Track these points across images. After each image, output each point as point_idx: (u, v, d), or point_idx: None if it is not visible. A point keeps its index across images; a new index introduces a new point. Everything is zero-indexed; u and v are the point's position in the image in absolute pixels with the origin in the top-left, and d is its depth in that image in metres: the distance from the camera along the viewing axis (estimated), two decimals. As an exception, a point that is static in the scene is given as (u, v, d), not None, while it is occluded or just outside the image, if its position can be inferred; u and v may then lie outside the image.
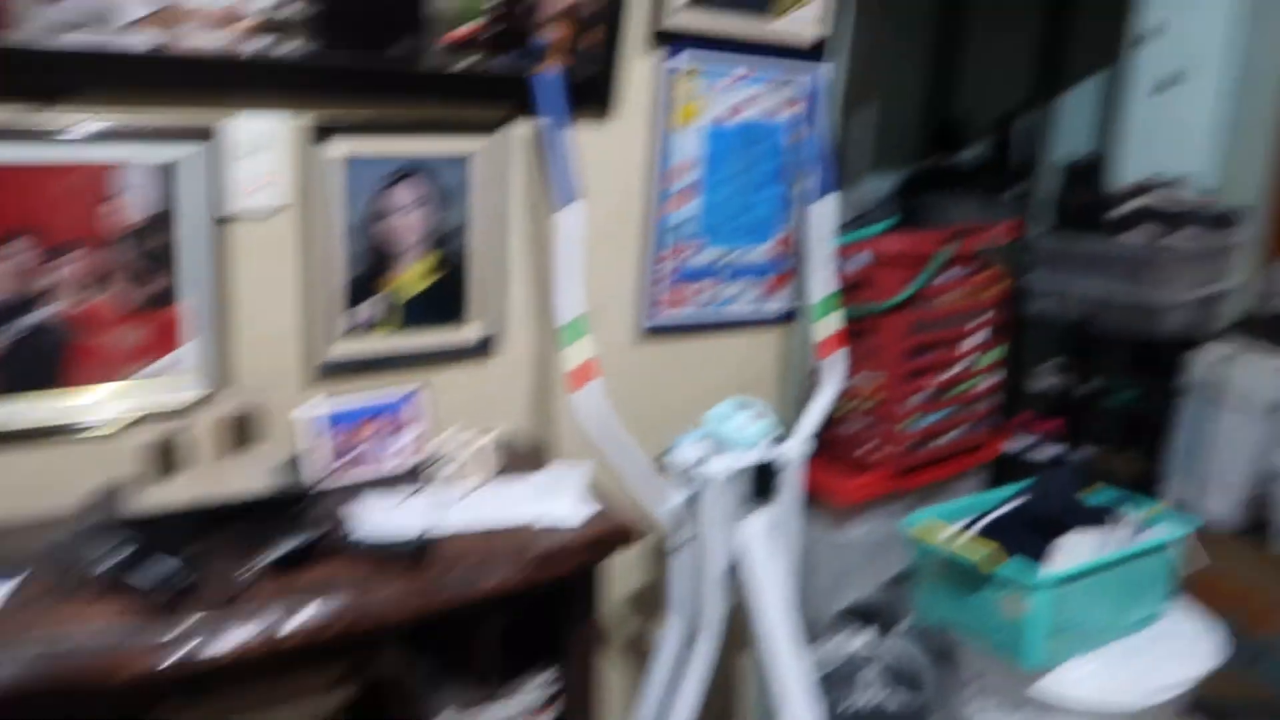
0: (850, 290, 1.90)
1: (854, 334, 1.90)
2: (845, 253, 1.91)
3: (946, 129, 3.12)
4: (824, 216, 1.83)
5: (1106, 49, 2.75)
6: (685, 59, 1.71)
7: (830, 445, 1.95)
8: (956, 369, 2.03)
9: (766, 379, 2.02)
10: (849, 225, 1.98)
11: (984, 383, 2.12)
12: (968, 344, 2.05)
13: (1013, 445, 2.79)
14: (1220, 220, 2.46)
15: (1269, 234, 2.50)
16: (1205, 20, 2.49)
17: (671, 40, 1.68)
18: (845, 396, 1.92)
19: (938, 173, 3.00)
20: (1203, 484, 2.33)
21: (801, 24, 1.80)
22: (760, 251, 1.90)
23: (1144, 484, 2.43)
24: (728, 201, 1.83)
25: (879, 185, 2.93)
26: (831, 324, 1.84)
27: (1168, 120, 2.58)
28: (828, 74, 1.88)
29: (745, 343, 1.96)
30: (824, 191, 1.83)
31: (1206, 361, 2.32)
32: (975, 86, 3.17)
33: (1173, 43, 2.56)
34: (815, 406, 1.78)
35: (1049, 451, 2.74)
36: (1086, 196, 2.64)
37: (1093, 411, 2.71)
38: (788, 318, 1.99)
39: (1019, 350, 2.86)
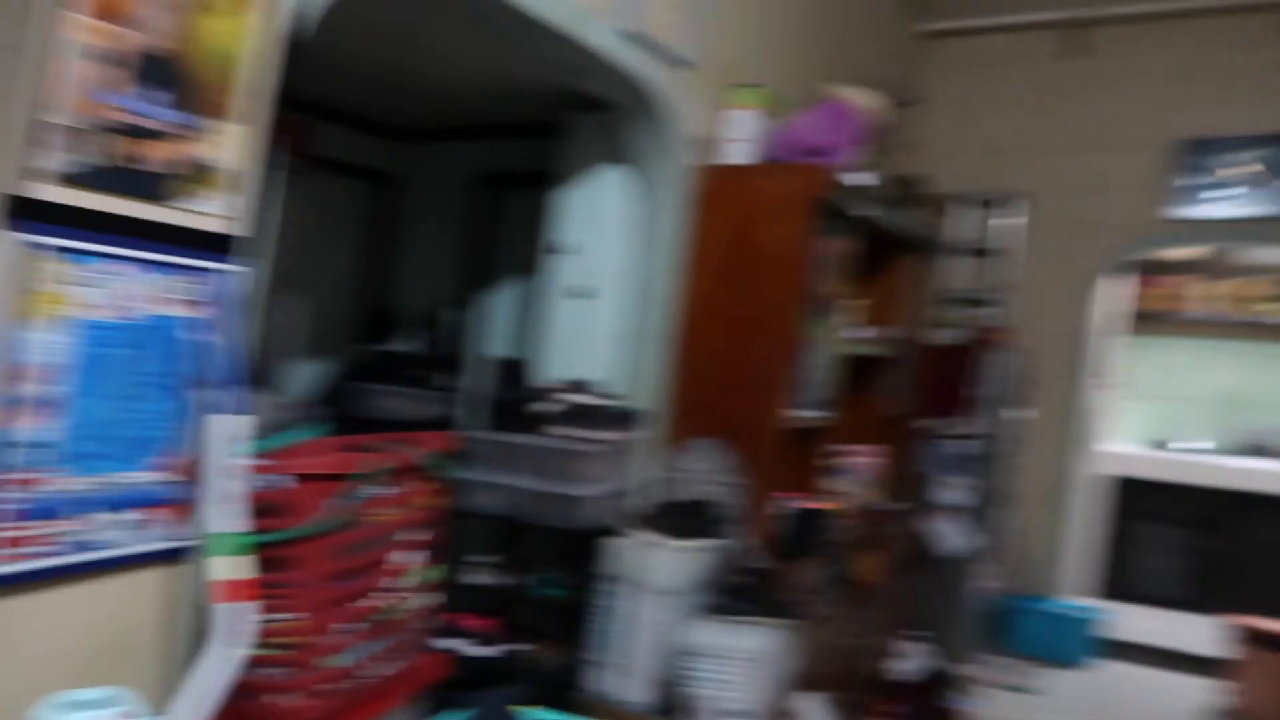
0: (265, 514, 1.64)
1: (270, 564, 1.63)
2: (259, 470, 1.65)
3: (379, 320, 3.09)
4: (229, 433, 1.57)
5: (527, 257, 2.97)
6: (49, 238, 1.37)
7: (240, 698, 1.62)
8: (390, 593, 1.86)
9: (147, 637, 1.62)
10: (268, 431, 1.74)
11: (420, 603, 1.97)
12: (401, 562, 1.90)
13: (454, 646, 2.69)
14: (626, 419, 2.71)
15: (664, 433, 2.81)
16: (609, 243, 2.80)
17: (31, 214, 1.33)
18: (261, 637, 1.62)
19: (370, 361, 2.93)
20: (623, 670, 2.43)
21: (206, 215, 1.57)
22: (146, 476, 1.56)
23: (574, 674, 2.49)
24: (104, 415, 1.48)
25: (308, 374, 2.75)
26: (237, 562, 1.55)
27: (581, 327, 2.82)
28: (241, 271, 1.65)
29: (121, 591, 1.56)
30: (230, 404, 1.58)
31: (618, 551, 2.47)
32: (408, 280, 3.22)
33: (584, 259, 2.83)
34: (208, 669, 1.46)
35: (488, 650, 2.68)
36: (513, 393, 2.74)
37: (528, 605, 2.73)
38: (178, 556, 1.64)
39: (456, 547, 2.81)
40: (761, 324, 2.70)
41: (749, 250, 2.75)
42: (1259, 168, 4.15)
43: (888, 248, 3.45)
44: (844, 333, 3.06)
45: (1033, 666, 4.17)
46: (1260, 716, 3.74)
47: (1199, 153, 4.24)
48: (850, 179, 2.88)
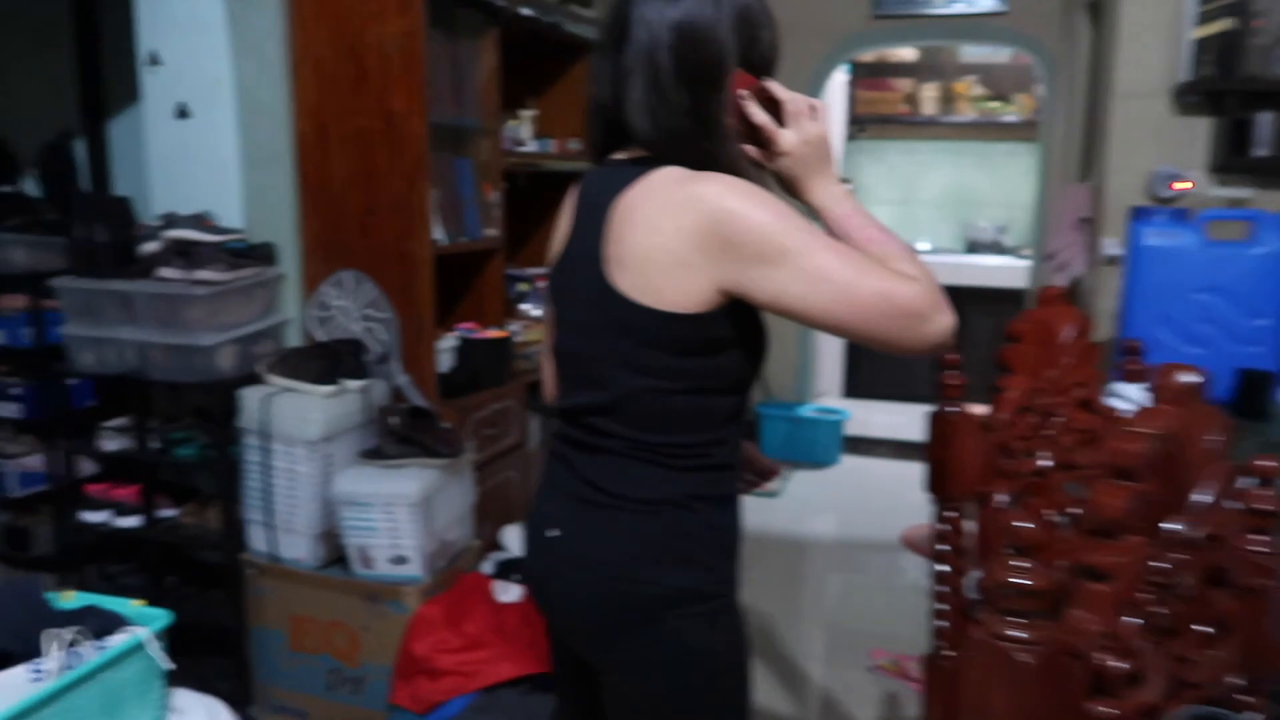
0: None
1: None
2: None
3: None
4: None
5: (132, 78, 2.48)
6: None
7: None
8: None
9: None
10: None
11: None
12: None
13: (88, 518, 2.43)
14: (249, 256, 2.38)
15: (303, 270, 2.50)
16: (199, 51, 2.37)
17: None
18: None
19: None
20: (278, 527, 2.25)
21: None
22: None
23: (231, 536, 2.28)
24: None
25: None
26: None
27: (186, 153, 2.43)
28: None
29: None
30: None
31: (254, 401, 2.22)
32: (18, 110, 2.71)
33: (175, 74, 2.40)
34: None
35: (129, 521, 2.43)
36: (116, 234, 2.35)
37: (166, 467, 2.46)
38: None
39: (70, 415, 2.50)
40: (388, 138, 2.33)
41: (358, 51, 2.29)
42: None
43: (558, 51, 3.11)
44: (509, 146, 2.79)
45: (784, 470, 4.25)
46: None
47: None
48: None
